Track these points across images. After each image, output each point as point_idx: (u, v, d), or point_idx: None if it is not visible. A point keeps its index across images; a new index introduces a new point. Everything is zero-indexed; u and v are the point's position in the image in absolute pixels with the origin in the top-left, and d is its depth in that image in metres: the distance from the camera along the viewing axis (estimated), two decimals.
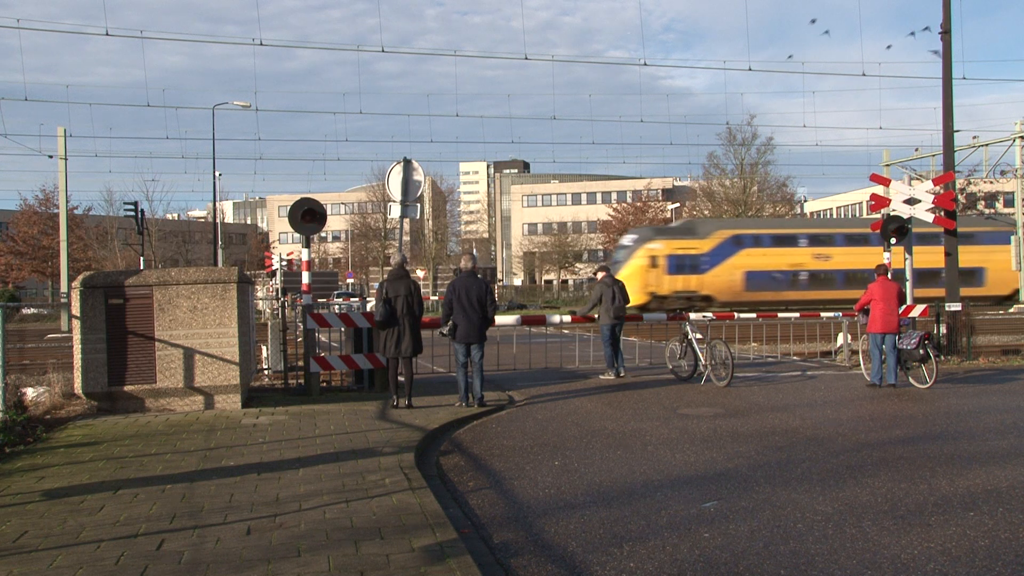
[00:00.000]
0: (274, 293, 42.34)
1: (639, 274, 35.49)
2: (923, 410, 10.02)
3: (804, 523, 5.40)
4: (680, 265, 35.81)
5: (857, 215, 78.77)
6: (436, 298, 44.08)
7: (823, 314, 16.79)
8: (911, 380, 11.95)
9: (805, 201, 75.46)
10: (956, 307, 15.67)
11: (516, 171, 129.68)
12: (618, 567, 4.64)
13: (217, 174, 44.46)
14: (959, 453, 7.51)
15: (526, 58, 27.12)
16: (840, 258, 37.43)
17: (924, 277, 37.65)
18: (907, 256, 15.81)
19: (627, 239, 39.55)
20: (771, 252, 37.13)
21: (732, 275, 36.55)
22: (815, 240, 38.14)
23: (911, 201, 15.75)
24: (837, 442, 8.06)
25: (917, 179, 17.04)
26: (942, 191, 16.23)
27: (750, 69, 31.95)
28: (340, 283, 58.71)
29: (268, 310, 34.14)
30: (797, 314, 17.01)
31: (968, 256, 37.71)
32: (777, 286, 36.61)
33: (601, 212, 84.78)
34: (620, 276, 37.12)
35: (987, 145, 37.66)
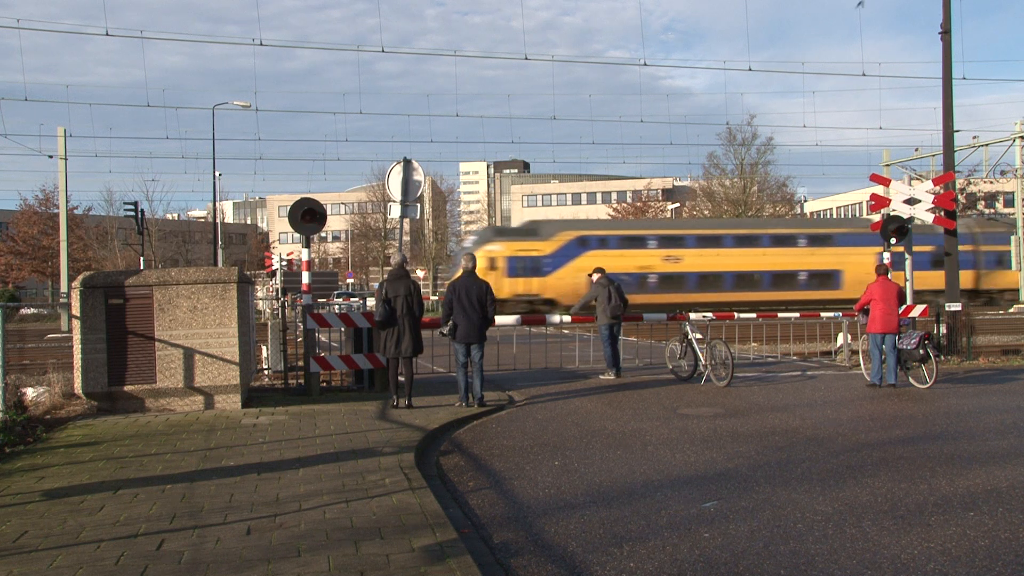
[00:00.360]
0: (274, 293, 42.37)
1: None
2: (923, 410, 10.02)
3: (804, 523, 5.40)
4: (520, 267, 34.81)
5: (858, 215, 78.75)
6: (436, 298, 44.06)
7: (823, 314, 16.78)
8: (911, 380, 11.95)
9: (805, 201, 75.42)
10: (956, 307, 15.67)
11: (516, 171, 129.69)
12: (618, 567, 4.64)
13: (217, 174, 44.50)
14: (959, 453, 7.51)
15: (526, 58, 27.14)
16: (691, 260, 36.41)
17: (779, 280, 37.20)
18: (907, 256, 15.82)
19: (468, 241, 38.49)
20: (618, 254, 35.75)
21: (576, 278, 34.68)
22: (665, 241, 37.04)
23: (911, 201, 15.75)
24: (837, 442, 8.06)
25: (917, 179, 17.03)
26: (942, 191, 16.23)
27: (750, 69, 32.05)
28: (340, 283, 58.71)
29: (268, 310, 34.14)
30: (797, 314, 17.01)
31: (824, 258, 36.74)
32: (625, 289, 35.69)
33: (601, 212, 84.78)
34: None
35: (987, 145, 37.66)
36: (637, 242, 36.83)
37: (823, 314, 16.79)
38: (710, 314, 15.05)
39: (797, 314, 17.00)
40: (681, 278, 36.25)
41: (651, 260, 36.18)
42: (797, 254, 36.89)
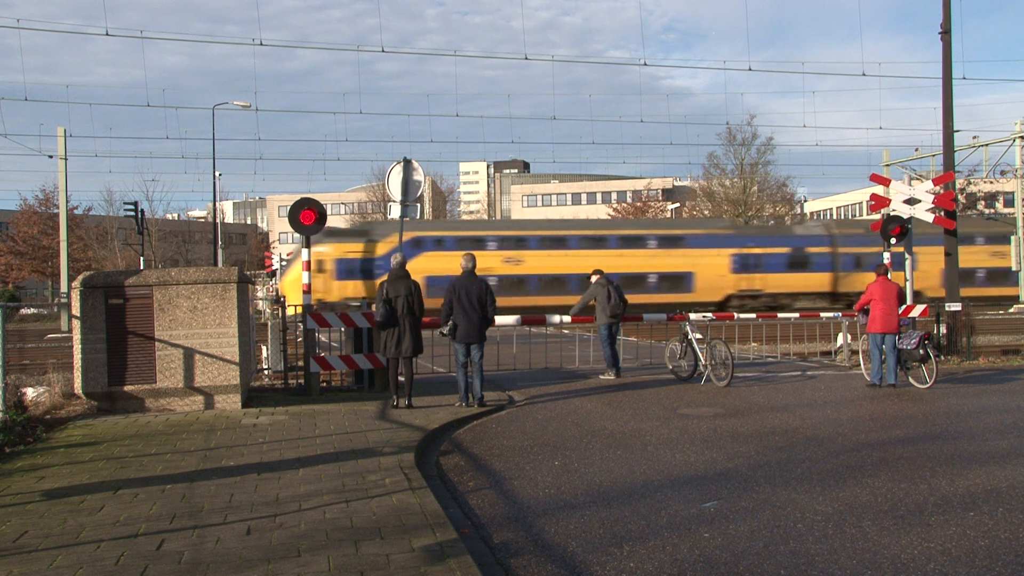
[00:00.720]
0: (274, 293, 42.35)
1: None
2: (923, 410, 10.02)
3: (804, 523, 5.40)
4: (351, 269, 33.44)
5: (858, 215, 78.74)
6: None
7: (823, 314, 16.79)
8: (911, 380, 11.95)
9: (805, 201, 75.41)
10: (956, 307, 15.67)
11: (516, 171, 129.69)
12: (618, 567, 4.64)
13: (217, 174, 44.51)
14: (959, 453, 7.51)
15: (526, 58, 27.15)
16: (534, 262, 35.09)
17: (628, 282, 34.90)
18: (907, 256, 15.82)
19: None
20: (455, 255, 34.23)
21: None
22: (506, 243, 35.71)
23: (911, 201, 15.76)
24: (837, 442, 8.06)
25: (917, 179, 17.03)
26: (942, 191, 16.23)
27: (750, 69, 32.03)
28: None
29: (268, 310, 34.08)
30: (797, 314, 17.01)
31: (674, 260, 35.39)
32: None
33: (601, 212, 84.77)
34: (285, 281, 34.52)
35: (987, 145, 37.60)
36: (476, 243, 35.37)
37: (823, 314, 16.78)
38: (710, 314, 15.06)
39: (797, 314, 17.00)
40: (522, 281, 34.97)
41: (491, 262, 34.34)
42: (647, 256, 35.68)
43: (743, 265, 35.49)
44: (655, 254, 35.78)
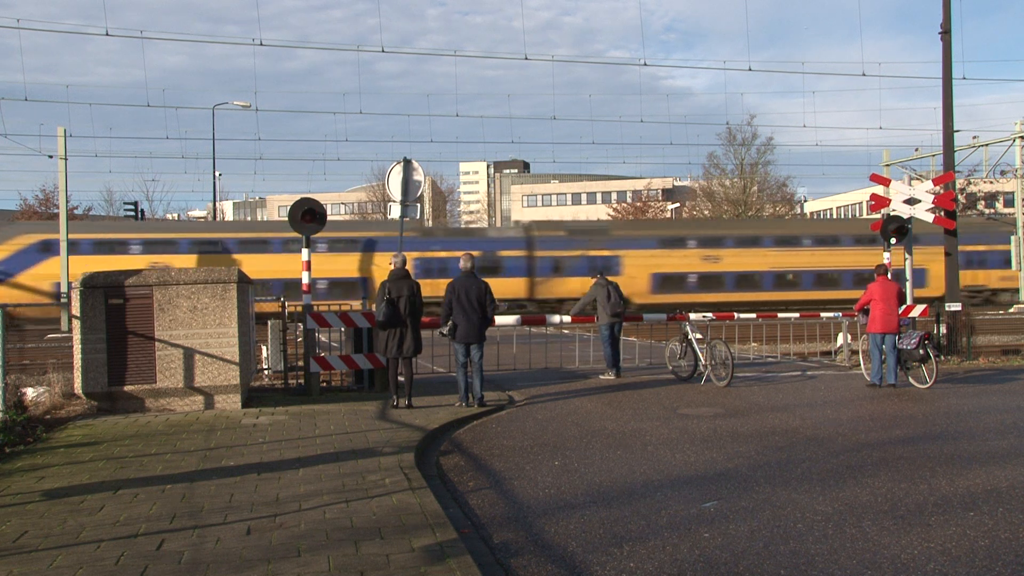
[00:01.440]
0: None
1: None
2: (923, 410, 10.02)
3: (804, 523, 5.40)
4: None
5: (858, 215, 78.52)
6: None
7: (823, 314, 16.79)
8: (911, 380, 11.95)
9: (805, 201, 75.38)
10: (956, 307, 15.67)
11: (516, 171, 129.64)
12: (618, 567, 4.64)
13: (217, 174, 44.55)
14: (959, 453, 7.51)
15: (526, 58, 27.16)
16: (186, 263, 31.95)
17: (333, 288, 31.03)
18: (907, 256, 15.82)
19: None
20: (92, 260, 30.62)
21: (40, 286, 31.38)
22: (152, 246, 32.76)
23: (911, 201, 15.76)
24: (837, 442, 8.06)
25: (917, 179, 17.04)
26: (942, 191, 16.24)
27: (750, 69, 32.05)
28: None
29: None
30: (797, 314, 17.01)
31: (347, 264, 32.71)
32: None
33: (601, 212, 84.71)
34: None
35: (987, 145, 37.58)
36: (118, 246, 33.00)
37: (823, 314, 16.78)
38: (710, 314, 15.06)
39: (797, 314, 17.00)
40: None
41: (137, 265, 31.35)
42: (316, 260, 32.67)
43: (426, 270, 32.90)
44: (325, 259, 32.34)
